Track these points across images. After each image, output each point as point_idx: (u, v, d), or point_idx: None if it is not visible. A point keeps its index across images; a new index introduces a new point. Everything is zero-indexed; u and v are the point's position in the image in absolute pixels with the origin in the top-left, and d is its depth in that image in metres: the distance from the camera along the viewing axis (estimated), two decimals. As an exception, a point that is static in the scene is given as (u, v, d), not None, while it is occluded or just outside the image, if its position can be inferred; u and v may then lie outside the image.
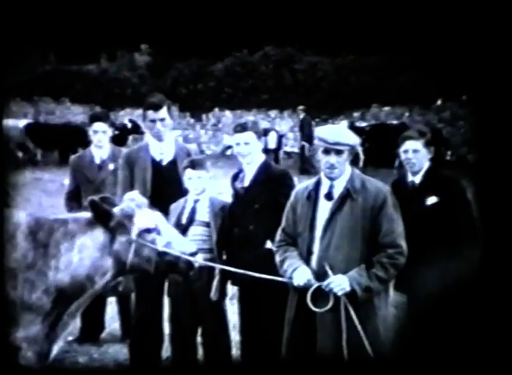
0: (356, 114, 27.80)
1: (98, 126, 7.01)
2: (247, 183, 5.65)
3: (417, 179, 5.49)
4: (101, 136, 7.00)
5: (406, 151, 5.47)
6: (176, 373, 5.82)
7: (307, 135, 22.39)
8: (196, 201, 5.69)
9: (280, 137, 24.87)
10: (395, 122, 24.96)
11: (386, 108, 27.71)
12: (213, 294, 5.54)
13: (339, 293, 4.46)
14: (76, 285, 4.43)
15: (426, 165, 5.49)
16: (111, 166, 6.88)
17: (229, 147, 24.43)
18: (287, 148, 27.09)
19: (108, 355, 6.69)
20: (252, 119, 19.68)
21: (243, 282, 5.43)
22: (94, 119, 7.15)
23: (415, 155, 5.43)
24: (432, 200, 5.36)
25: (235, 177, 5.78)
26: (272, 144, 23.64)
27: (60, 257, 4.42)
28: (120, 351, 6.64)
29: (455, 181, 5.49)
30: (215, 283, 5.52)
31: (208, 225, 5.63)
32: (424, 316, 5.13)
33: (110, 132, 7.11)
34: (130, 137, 23.25)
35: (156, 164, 5.96)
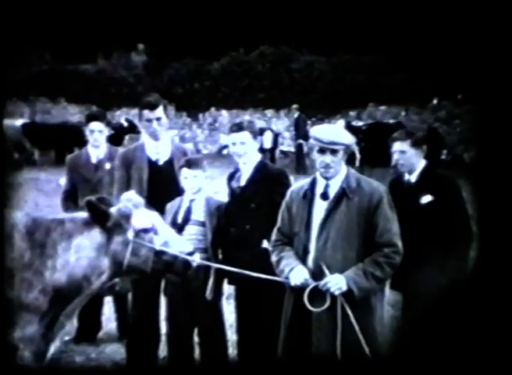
0: (352, 113, 27.84)
1: (95, 125, 7.01)
2: (243, 182, 5.66)
3: (413, 178, 5.53)
4: (97, 135, 7.00)
5: (394, 153, 5.55)
6: (173, 373, 5.82)
7: (303, 133, 22.40)
8: (191, 201, 5.69)
9: (276, 136, 24.86)
10: (391, 121, 25.00)
11: (382, 108, 27.76)
12: (208, 293, 5.54)
13: (336, 292, 4.46)
14: (73, 285, 4.43)
15: (422, 164, 5.53)
16: (107, 166, 6.87)
17: (226, 146, 24.38)
18: (283, 148, 27.10)
19: (105, 355, 6.68)
20: (248, 119, 19.69)
21: (239, 281, 5.44)
22: (90, 118, 7.15)
23: (402, 155, 5.51)
24: (426, 199, 5.40)
25: (231, 177, 5.78)
26: (268, 144, 23.62)
27: (57, 257, 4.41)
28: (117, 351, 6.64)
29: (450, 180, 5.52)
30: (210, 282, 5.53)
31: (203, 224, 5.64)
32: (419, 314, 5.14)
33: (106, 131, 7.10)
34: (127, 137, 23.21)
35: (152, 164, 5.96)
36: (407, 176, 5.58)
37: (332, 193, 4.66)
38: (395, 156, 5.55)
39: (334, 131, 4.71)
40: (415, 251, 4.88)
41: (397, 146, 5.53)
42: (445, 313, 4.91)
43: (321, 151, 4.63)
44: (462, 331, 4.25)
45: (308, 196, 4.71)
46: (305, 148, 22.28)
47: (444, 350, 4.71)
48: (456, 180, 5.56)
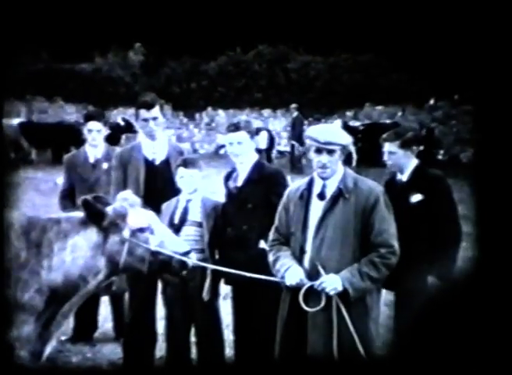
0: (349, 113, 27.83)
1: (93, 125, 7.01)
2: (240, 182, 5.66)
3: (404, 177, 5.59)
4: (95, 135, 7.00)
5: (384, 153, 5.60)
6: (170, 373, 5.82)
7: (297, 134, 22.43)
8: (188, 201, 5.69)
9: (271, 136, 24.80)
10: (388, 121, 24.99)
11: (379, 108, 27.76)
12: (205, 294, 5.54)
13: (331, 292, 4.47)
14: (69, 285, 4.43)
15: (413, 163, 5.58)
16: (105, 165, 6.86)
17: (223, 146, 24.33)
18: (280, 148, 27.08)
19: (102, 355, 6.68)
20: (245, 119, 19.70)
21: (236, 282, 5.44)
22: (88, 117, 7.14)
23: (390, 156, 5.57)
24: (416, 197, 5.44)
25: (228, 177, 5.78)
26: (263, 144, 23.51)
27: (53, 256, 4.41)
28: (113, 351, 6.64)
29: (440, 179, 5.58)
30: (207, 283, 5.53)
31: (200, 225, 5.63)
32: (412, 313, 5.15)
33: (105, 131, 7.09)
34: (123, 136, 23.19)
35: (149, 163, 5.96)
36: (399, 176, 5.63)
37: (328, 193, 4.66)
38: (385, 157, 5.61)
39: (331, 131, 4.71)
40: (406, 250, 4.88)
41: (387, 147, 5.60)
42: (440, 314, 4.91)
43: (318, 151, 4.62)
44: (458, 332, 4.26)
45: (305, 196, 4.71)
46: (296, 150, 22.39)
47: (440, 350, 4.71)
48: (446, 180, 5.61)
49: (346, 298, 4.48)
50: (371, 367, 4.47)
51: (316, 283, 4.50)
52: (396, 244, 4.61)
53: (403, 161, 5.56)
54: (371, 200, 4.59)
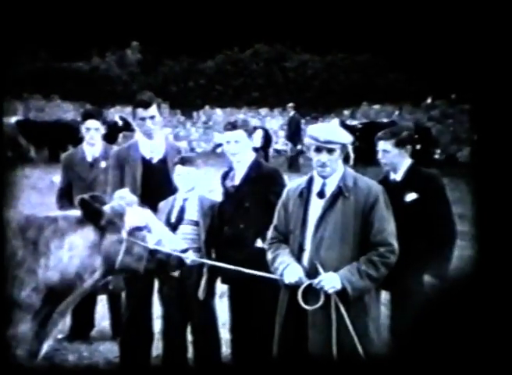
0: (346, 112, 27.86)
1: (91, 123, 7.00)
2: (237, 181, 5.65)
3: (398, 176, 5.59)
4: (93, 133, 6.99)
5: (378, 151, 5.60)
6: (166, 371, 5.82)
7: (291, 134, 22.45)
8: (185, 200, 5.69)
9: (267, 134, 24.75)
10: (385, 120, 25.01)
11: (376, 107, 27.79)
12: (201, 292, 5.54)
13: (330, 291, 4.46)
14: (66, 283, 4.42)
15: (407, 163, 5.58)
16: (103, 164, 6.85)
17: (220, 145, 24.31)
18: (277, 146, 27.08)
19: (98, 353, 6.67)
20: (242, 117, 19.71)
21: (232, 281, 5.44)
22: (86, 116, 7.13)
23: (384, 154, 5.57)
24: (411, 196, 5.44)
25: (225, 176, 5.77)
26: (257, 143, 23.46)
27: (50, 255, 4.40)
28: (110, 349, 6.63)
29: (434, 178, 5.58)
30: (203, 281, 5.53)
31: (197, 224, 5.63)
32: (407, 311, 5.15)
33: (103, 129, 7.08)
34: (121, 135, 23.15)
35: (146, 162, 5.95)
36: (392, 175, 5.63)
37: (328, 191, 4.66)
38: (379, 155, 5.61)
39: (330, 130, 4.72)
40: (401, 249, 4.89)
41: (381, 145, 5.60)
42: (438, 313, 4.91)
43: (318, 150, 4.62)
44: (456, 331, 4.26)
45: (305, 194, 4.70)
46: (289, 150, 22.43)
47: (438, 349, 4.71)
48: (440, 178, 5.62)
49: (344, 297, 4.47)
50: (371, 366, 4.47)
51: (315, 281, 4.50)
52: (395, 242, 4.61)
53: (397, 160, 5.56)
54: (371, 199, 4.59)
